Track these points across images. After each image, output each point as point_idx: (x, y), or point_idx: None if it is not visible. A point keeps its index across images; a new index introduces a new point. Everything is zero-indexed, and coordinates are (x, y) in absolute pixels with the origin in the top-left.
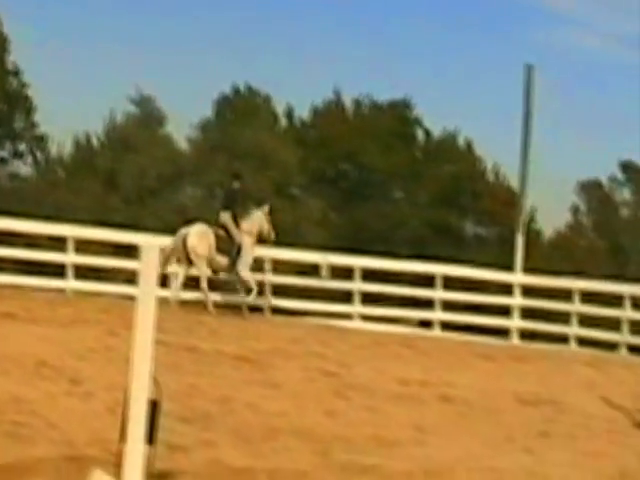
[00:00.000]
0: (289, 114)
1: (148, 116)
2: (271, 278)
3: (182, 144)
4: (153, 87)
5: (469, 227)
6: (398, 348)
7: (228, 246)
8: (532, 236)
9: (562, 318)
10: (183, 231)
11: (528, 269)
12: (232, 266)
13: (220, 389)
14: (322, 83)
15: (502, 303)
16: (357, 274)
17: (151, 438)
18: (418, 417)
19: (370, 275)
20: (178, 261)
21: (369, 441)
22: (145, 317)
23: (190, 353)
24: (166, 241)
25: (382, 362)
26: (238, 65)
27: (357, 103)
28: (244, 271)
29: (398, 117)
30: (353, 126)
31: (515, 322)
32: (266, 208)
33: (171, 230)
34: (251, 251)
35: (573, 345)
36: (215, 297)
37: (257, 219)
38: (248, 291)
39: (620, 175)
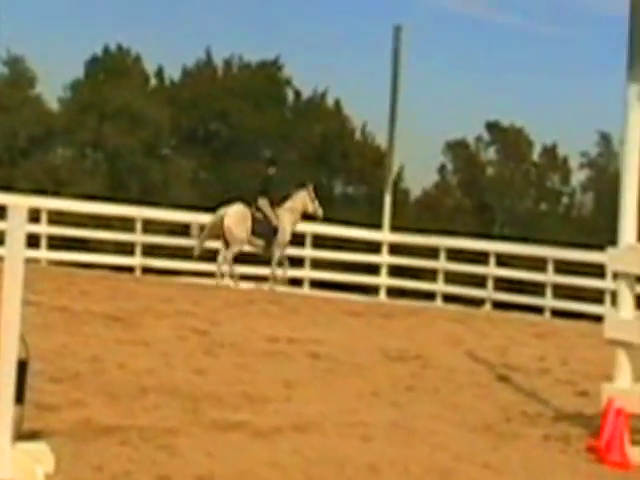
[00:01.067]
0: (160, 74)
1: (18, 76)
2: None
3: (53, 104)
4: (23, 48)
5: (338, 186)
6: (268, 306)
7: (264, 228)
8: (400, 195)
9: (429, 275)
10: (222, 210)
11: (396, 227)
12: (267, 248)
13: (90, 348)
14: (193, 43)
15: (370, 261)
16: None
17: (20, 398)
18: (287, 374)
19: None
20: (217, 238)
21: (238, 398)
22: (13, 278)
23: (61, 313)
24: (37, 201)
25: (252, 320)
26: (109, 25)
27: (228, 63)
28: (279, 251)
29: (268, 77)
30: (224, 86)
31: (383, 280)
32: (310, 187)
33: (42, 190)
34: (289, 229)
35: (439, 302)
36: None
37: (300, 198)
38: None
39: (486, 135)
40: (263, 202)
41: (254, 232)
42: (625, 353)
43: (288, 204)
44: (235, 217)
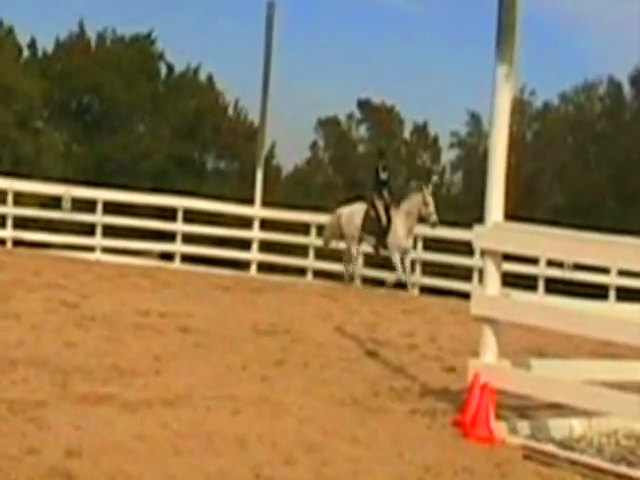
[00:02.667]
0: (33, 46)
1: None
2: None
3: None
4: None
5: (210, 161)
6: (139, 280)
7: (374, 226)
8: (272, 171)
9: (300, 251)
10: (339, 210)
11: (267, 203)
12: (377, 248)
13: None
14: (66, 16)
15: (242, 236)
16: (99, 207)
17: None
18: (157, 347)
19: (113, 208)
20: (341, 238)
21: (108, 371)
22: None
23: None
24: None
25: (123, 294)
26: None
27: (101, 37)
28: (393, 252)
29: (141, 51)
30: (97, 59)
31: (254, 255)
32: (426, 190)
33: None
34: (402, 232)
35: (310, 277)
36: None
37: (415, 201)
38: (393, 269)
39: (357, 113)
40: (379, 202)
41: (364, 228)
42: (491, 329)
43: (405, 206)
44: (347, 215)
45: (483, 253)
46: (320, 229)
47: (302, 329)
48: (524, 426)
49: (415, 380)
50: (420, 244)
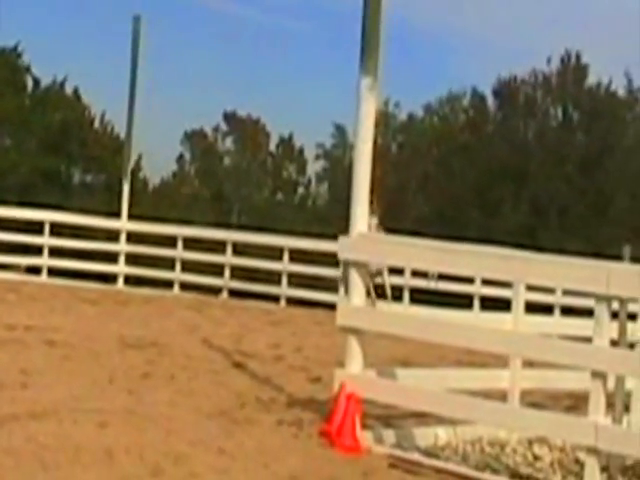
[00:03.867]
0: None
1: None
2: None
3: None
4: None
5: (77, 174)
6: (5, 293)
7: None
8: (138, 184)
9: (167, 264)
10: None
11: (134, 216)
12: None
13: None
14: None
15: (108, 249)
16: None
17: None
18: (23, 361)
19: None
20: None
21: None
22: None
23: None
24: None
25: None
26: None
27: None
28: None
29: (7, 64)
30: None
31: (121, 268)
32: None
33: None
34: None
35: (177, 290)
36: None
37: None
38: None
39: (224, 125)
40: None
41: None
42: (356, 339)
43: None
44: None
45: (346, 264)
46: (187, 241)
47: (169, 342)
48: (390, 435)
49: (281, 391)
50: (286, 256)
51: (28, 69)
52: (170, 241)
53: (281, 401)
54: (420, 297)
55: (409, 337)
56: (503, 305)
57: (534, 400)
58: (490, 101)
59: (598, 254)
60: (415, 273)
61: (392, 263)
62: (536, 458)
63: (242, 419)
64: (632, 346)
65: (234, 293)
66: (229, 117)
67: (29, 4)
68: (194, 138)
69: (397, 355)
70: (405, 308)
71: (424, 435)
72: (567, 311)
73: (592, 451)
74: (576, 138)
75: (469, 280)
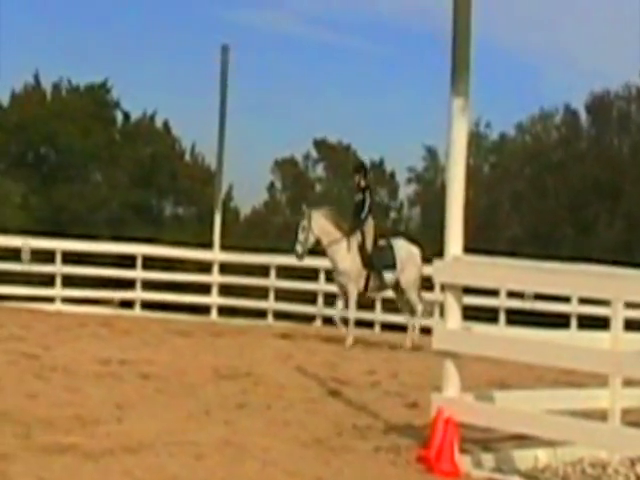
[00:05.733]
0: None
1: None
2: None
3: None
4: None
5: (168, 207)
6: (98, 328)
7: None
8: (230, 214)
9: (260, 293)
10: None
11: (226, 246)
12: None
13: None
14: (21, 67)
15: (201, 281)
16: (58, 257)
17: None
18: (118, 395)
19: (71, 257)
20: None
21: (70, 421)
22: None
23: None
24: None
25: (83, 343)
26: None
27: (56, 87)
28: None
29: (97, 100)
30: (52, 110)
31: (214, 299)
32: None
33: None
34: None
35: (270, 319)
36: None
37: None
38: None
39: (314, 153)
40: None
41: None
42: (453, 363)
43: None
44: None
45: (443, 287)
46: (280, 270)
47: (263, 371)
48: (489, 459)
49: (378, 417)
50: None
51: (117, 104)
52: (263, 270)
53: (378, 428)
54: (516, 318)
55: (506, 359)
56: (601, 323)
57: (635, 419)
58: (583, 117)
59: None
60: (511, 294)
61: (488, 285)
62: (639, 478)
63: (339, 447)
64: None
65: (328, 320)
66: (319, 144)
67: (115, 41)
68: (284, 166)
69: (494, 377)
70: (501, 330)
71: (523, 458)
72: None
73: None
74: None
75: (565, 299)
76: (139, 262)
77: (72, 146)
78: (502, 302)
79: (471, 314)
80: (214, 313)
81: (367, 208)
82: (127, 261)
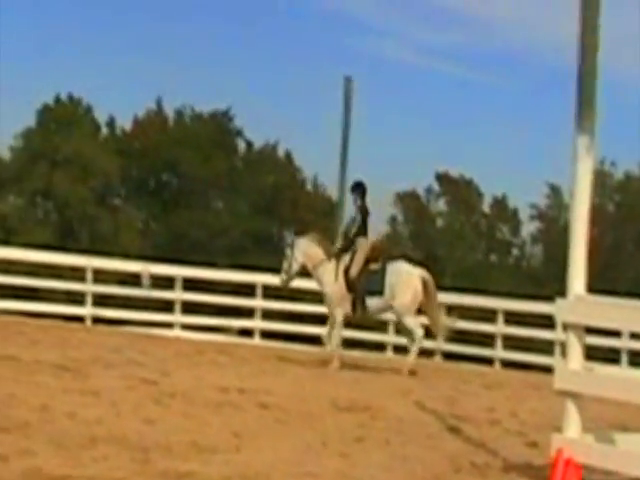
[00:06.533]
0: (111, 124)
1: None
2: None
3: (4, 153)
4: None
5: (288, 236)
6: (217, 356)
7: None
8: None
9: (380, 326)
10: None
11: None
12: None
13: (39, 398)
14: (144, 93)
15: (320, 312)
16: (178, 284)
17: None
18: (236, 424)
19: (191, 284)
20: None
21: (188, 448)
22: None
23: (9, 362)
24: None
25: (201, 370)
26: (60, 75)
27: (179, 113)
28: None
29: (219, 127)
30: (174, 136)
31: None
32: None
33: None
34: None
35: (390, 352)
36: None
37: None
38: None
39: (436, 186)
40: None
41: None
42: (574, 404)
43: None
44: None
45: (565, 326)
46: None
47: (381, 405)
48: None
49: (497, 455)
50: (500, 318)
51: (240, 132)
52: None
53: (497, 466)
54: (638, 360)
55: (628, 401)
56: None
57: None
58: None
59: None
60: (634, 335)
61: (611, 326)
62: None
63: None
64: None
65: (447, 355)
66: (441, 178)
67: (239, 69)
68: (406, 199)
69: (615, 419)
70: (623, 371)
71: None
72: None
73: None
74: None
75: None
76: (259, 291)
77: (193, 173)
78: (624, 343)
79: (592, 354)
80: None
81: (356, 228)
82: (247, 289)
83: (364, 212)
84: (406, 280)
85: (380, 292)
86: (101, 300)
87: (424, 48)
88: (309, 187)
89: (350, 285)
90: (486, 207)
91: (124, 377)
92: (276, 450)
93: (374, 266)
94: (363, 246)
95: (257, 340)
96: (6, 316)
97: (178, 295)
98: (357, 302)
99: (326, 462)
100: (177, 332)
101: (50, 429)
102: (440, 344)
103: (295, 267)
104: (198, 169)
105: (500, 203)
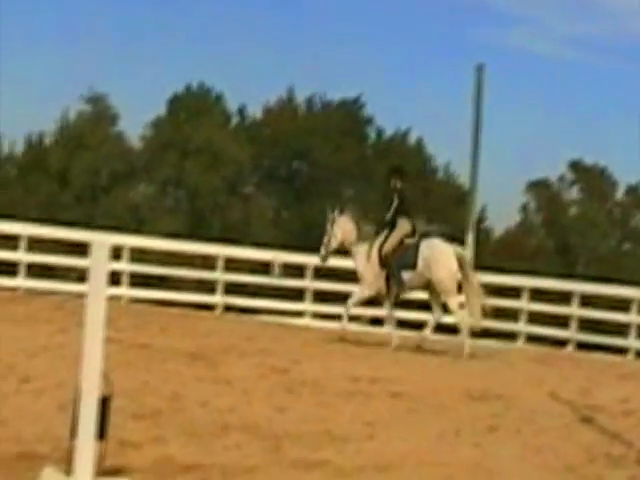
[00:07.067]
0: (241, 112)
1: (101, 114)
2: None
3: (134, 142)
4: (106, 86)
5: (420, 225)
6: (348, 345)
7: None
8: (482, 234)
9: (511, 316)
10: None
11: (478, 267)
12: None
13: (171, 386)
14: (275, 82)
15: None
16: (309, 272)
17: (102, 434)
18: (368, 413)
19: (322, 273)
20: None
21: (320, 436)
22: (95, 314)
23: (142, 350)
24: (119, 239)
25: (332, 359)
26: (191, 64)
27: (309, 102)
28: None
29: (349, 116)
30: (305, 124)
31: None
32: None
33: (123, 227)
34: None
35: (522, 342)
36: None
37: None
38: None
39: (569, 174)
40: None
41: None
42: None
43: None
44: None
45: None
46: (533, 292)
47: (514, 395)
48: None
49: (632, 446)
50: (635, 307)
51: (370, 120)
52: (515, 292)
53: (632, 457)
54: None
55: None
56: None
57: None
58: None
59: None
60: None
61: None
62: None
63: (592, 475)
64: None
65: (581, 345)
66: (574, 165)
67: (370, 57)
68: (538, 188)
69: None
70: None
71: None
72: None
73: None
74: None
75: None
76: None
77: (324, 161)
78: None
79: None
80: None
81: (393, 210)
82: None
83: (402, 196)
84: (439, 254)
85: (413, 267)
86: (232, 288)
87: (557, 37)
88: (440, 175)
89: (383, 261)
90: (620, 195)
91: (255, 365)
92: (408, 439)
93: (408, 241)
94: (402, 226)
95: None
96: (138, 304)
97: (309, 283)
98: (391, 278)
99: (459, 452)
100: (307, 321)
101: (182, 417)
102: (574, 334)
103: (334, 244)
104: (329, 157)
105: (634, 191)
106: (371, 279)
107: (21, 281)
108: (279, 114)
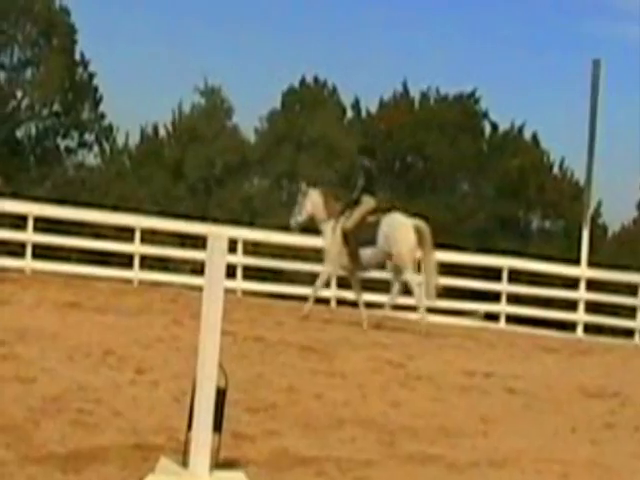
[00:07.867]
0: (356, 106)
1: (215, 107)
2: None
3: (249, 135)
4: (221, 78)
5: (535, 220)
6: (463, 340)
7: None
8: (598, 230)
9: (627, 312)
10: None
11: (593, 263)
12: None
13: (286, 379)
14: (389, 75)
15: (567, 297)
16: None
17: (217, 427)
18: (483, 408)
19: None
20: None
21: (434, 431)
22: (213, 306)
23: (256, 343)
24: (233, 232)
25: (447, 354)
26: (306, 57)
27: (424, 95)
28: None
29: (464, 110)
30: (419, 118)
31: (580, 316)
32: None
33: (237, 220)
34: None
35: (638, 339)
36: None
37: None
38: None
39: None
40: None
41: None
42: None
43: None
44: None
45: None
46: None
47: (631, 392)
48: None
49: None
50: None
51: (486, 114)
52: (631, 289)
53: None
54: None
55: None
56: None
57: None
58: None
59: None
60: None
61: None
62: None
63: None
64: None
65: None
66: None
67: (485, 51)
68: None
69: None
70: None
71: None
72: None
73: None
74: None
75: None
76: (505, 275)
77: (439, 155)
78: None
79: None
80: (580, 330)
81: (359, 188)
82: (493, 273)
83: (369, 174)
84: (398, 228)
85: (374, 243)
86: (344, 282)
87: None
88: (556, 170)
89: (345, 238)
90: None
91: (370, 359)
92: (524, 435)
93: (371, 219)
94: (365, 203)
95: (503, 324)
96: (252, 297)
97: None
98: (351, 255)
99: (575, 449)
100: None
101: (297, 410)
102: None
103: (304, 215)
104: (444, 151)
105: None
106: (334, 256)
107: (135, 273)
108: (393, 108)
